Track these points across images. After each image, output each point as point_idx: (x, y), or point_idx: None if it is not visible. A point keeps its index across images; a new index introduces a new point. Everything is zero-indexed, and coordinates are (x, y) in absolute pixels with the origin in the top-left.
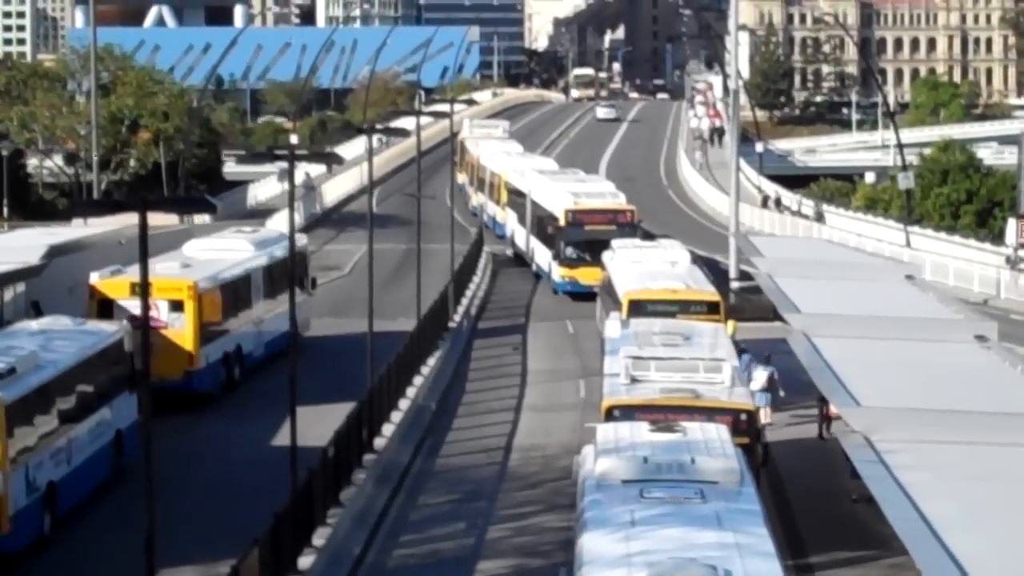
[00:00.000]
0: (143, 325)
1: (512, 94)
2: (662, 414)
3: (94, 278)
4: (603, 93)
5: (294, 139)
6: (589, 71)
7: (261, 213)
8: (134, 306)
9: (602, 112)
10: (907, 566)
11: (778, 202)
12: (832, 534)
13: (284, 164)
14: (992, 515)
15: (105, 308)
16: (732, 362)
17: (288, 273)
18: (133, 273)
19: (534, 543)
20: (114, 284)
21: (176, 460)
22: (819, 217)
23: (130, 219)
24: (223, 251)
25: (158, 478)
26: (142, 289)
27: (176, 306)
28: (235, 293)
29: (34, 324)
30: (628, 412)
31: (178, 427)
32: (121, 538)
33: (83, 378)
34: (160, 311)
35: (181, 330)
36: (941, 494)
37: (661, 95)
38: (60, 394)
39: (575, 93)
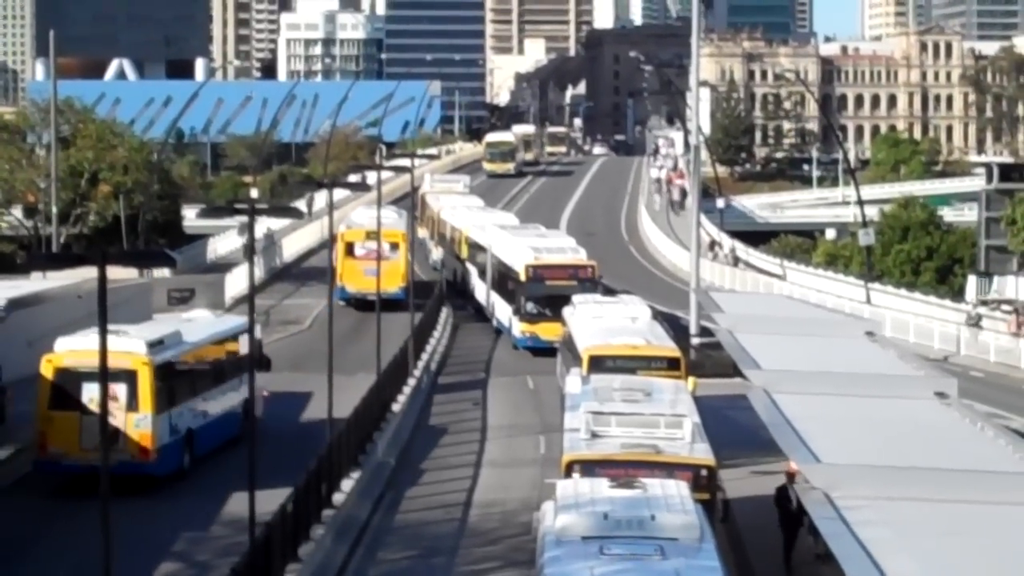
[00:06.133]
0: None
1: (469, 151)
2: (622, 469)
3: (341, 228)
4: (527, 157)
5: (254, 193)
6: (508, 136)
7: (221, 267)
8: (366, 247)
9: (597, 149)
10: None
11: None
12: None
13: (244, 218)
14: (952, 572)
15: (350, 248)
16: (693, 418)
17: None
18: (361, 224)
19: None
20: (354, 232)
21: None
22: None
23: (89, 272)
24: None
25: None
26: (101, 360)
27: (395, 247)
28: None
29: (184, 315)
30: (588, 467)
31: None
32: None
33: (218, 354)
34: (385, 249)
35: (398, 260)
36: (901, 551)
37: (598, 149)
38: (198, 364)
39: (488, 168)
